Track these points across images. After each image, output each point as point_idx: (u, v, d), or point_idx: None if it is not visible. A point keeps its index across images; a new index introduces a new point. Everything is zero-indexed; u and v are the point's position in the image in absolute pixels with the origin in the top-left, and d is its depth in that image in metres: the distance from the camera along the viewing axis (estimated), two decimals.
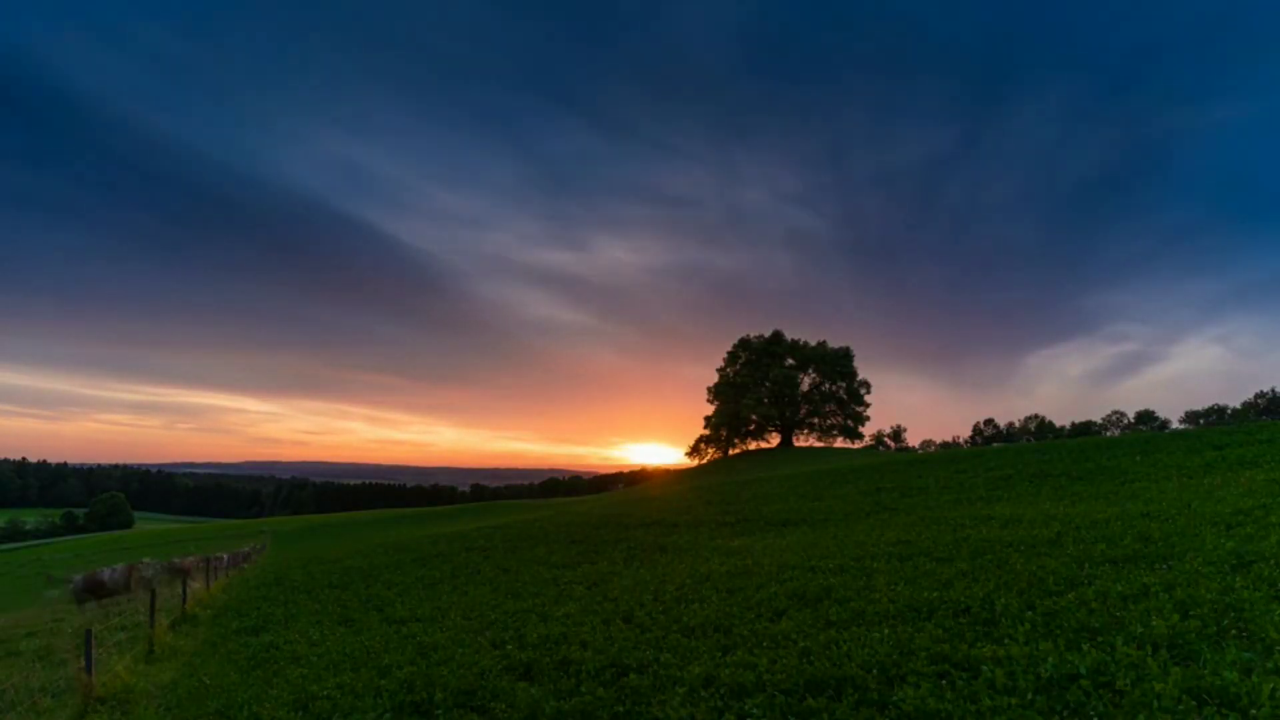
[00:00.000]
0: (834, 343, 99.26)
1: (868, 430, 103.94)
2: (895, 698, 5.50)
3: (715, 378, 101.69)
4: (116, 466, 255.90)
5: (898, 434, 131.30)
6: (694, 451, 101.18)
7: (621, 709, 6.28)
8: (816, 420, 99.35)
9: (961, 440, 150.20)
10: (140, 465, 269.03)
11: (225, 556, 27.95)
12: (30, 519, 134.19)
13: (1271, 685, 4.59)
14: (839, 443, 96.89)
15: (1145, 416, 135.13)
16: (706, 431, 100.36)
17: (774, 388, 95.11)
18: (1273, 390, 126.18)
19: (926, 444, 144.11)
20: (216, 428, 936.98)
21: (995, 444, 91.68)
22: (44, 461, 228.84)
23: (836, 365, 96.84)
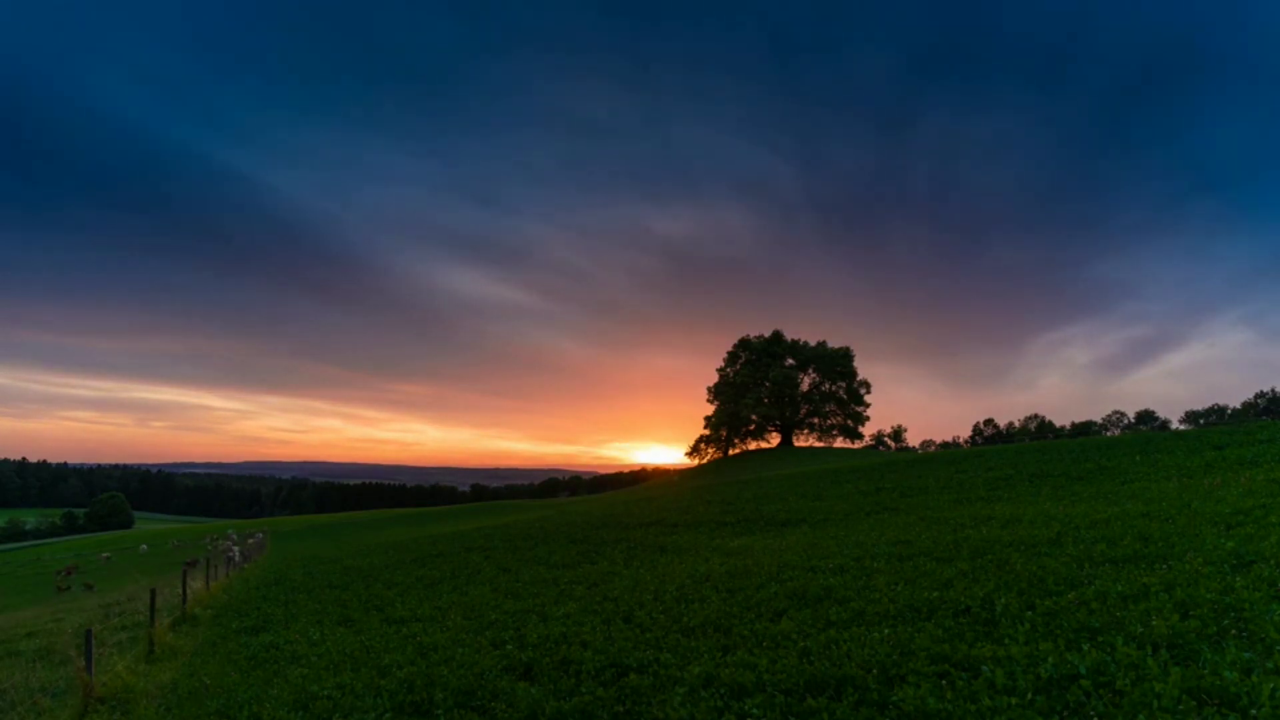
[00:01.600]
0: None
1: (868, 430, 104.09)
2: (895, 698, 5.50)
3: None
4: (116, 466, 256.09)
5: (898, 434, 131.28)
6: (694, 451, 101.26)
7: (621, 709, 6.28)
8: (816, 420, 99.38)
9: (961, 440, 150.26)
10: (140, 465, 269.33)
11: (260, 535, 28.23)
12: (30, 519, 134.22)
13: (1271, 685, 4.59)
14: (839, 443, 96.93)
15: (1145, 416, 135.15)
16: (706, 431, 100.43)
17: (774, 388, 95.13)
18: (1273, 390, 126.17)
19: (926, 444, 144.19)
20: (193, 426, 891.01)
21: (995, 444, 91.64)
22: (44, 461, 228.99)
23: (836, 365, 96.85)
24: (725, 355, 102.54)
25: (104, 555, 52.03)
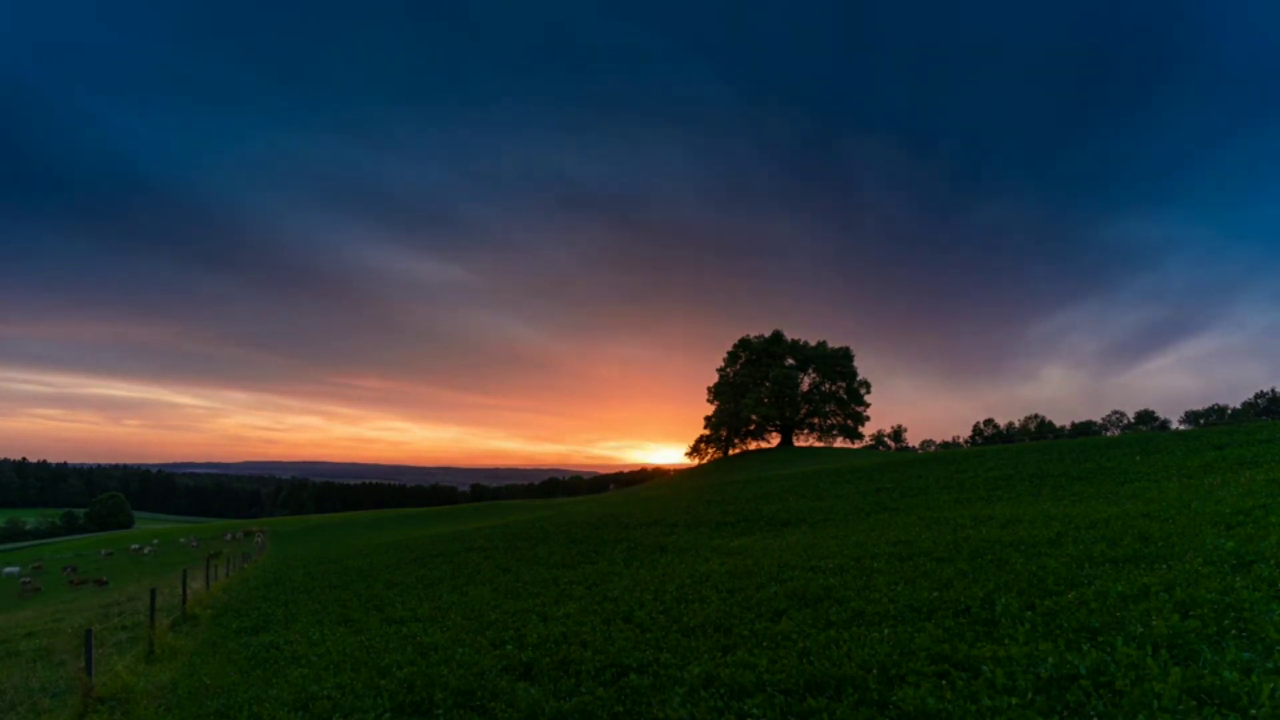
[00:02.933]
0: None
1: (868, 430, 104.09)
2: (895, 698, 5.50)
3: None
4: (116, 466, 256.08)
5: (898, 434, 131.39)
6: (694, 451, 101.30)
7: (621, 709, 6.28)
8: (816, 420, 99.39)
9: (961, 440, 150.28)
10: (140, 465, 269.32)
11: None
12: (30, 519, 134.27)
13: (1271, 685, 4.59)
14: (839, 443, 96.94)
15: (1145, 416, 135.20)
16: (706, 431, 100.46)
17: (774, 388, 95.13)
18: (1273, 390, 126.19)
19: (926, 444, 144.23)
20: (164, 424, 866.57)
21: (995, 444, 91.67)
22: (44, 461, 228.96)
23: (836, 365, 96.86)
24: (725, 355, 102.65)
25: (104, 551, 52.05)
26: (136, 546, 52.77)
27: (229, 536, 54.00)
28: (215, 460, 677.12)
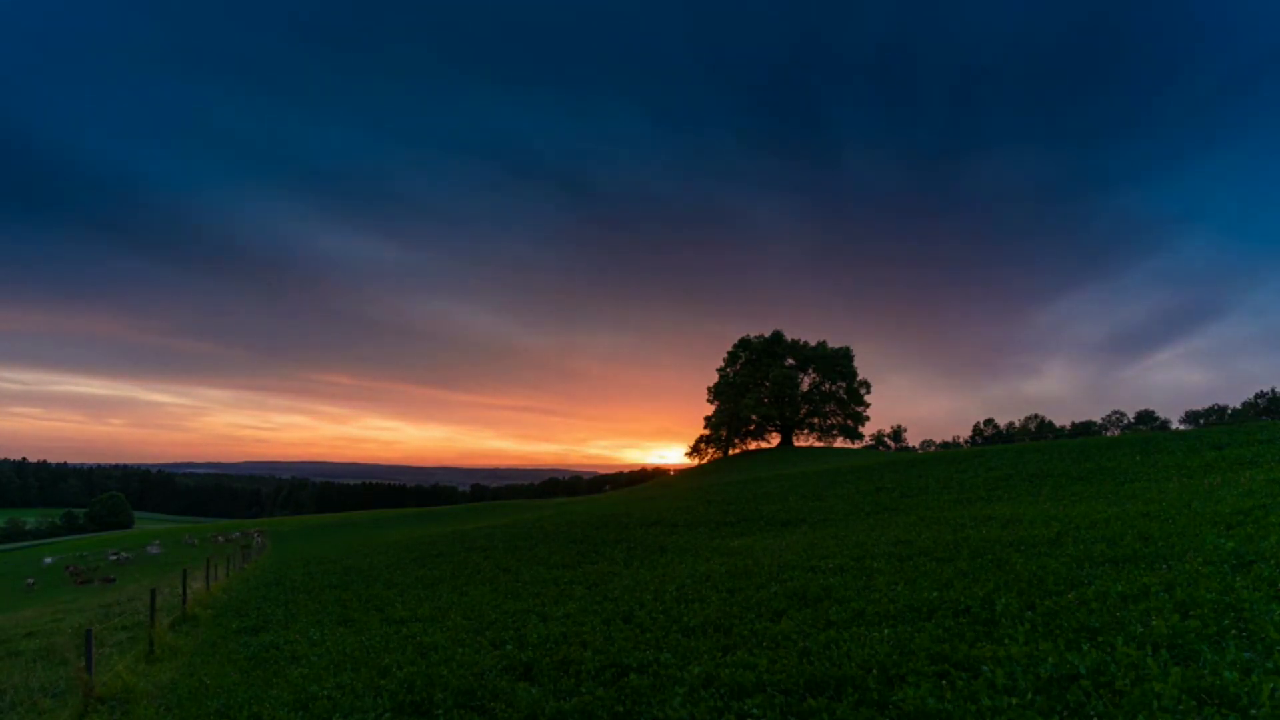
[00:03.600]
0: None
1: (868, 430, 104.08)
2: (895, 698, 5.50)
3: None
4: (116, 466, 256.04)
5: (898, 434, 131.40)
6: (694, 451, 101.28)
7: (621, 709, 6.28)
8: (816, 420, 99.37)
9: (961, 440, 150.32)
10: (140, 465, 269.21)
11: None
12: (30, 519, 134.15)
13: (1271, 685, 4.59)
14: (839, 443, 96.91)
15: (1145, 416, 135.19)
16: (707, 431, 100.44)
17: (774, 388, 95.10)
18: (1273, 390, 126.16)
19: (926, 444, 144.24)
20: (148, 423, 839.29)
21: (995, 444, 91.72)
22: (44, 461, 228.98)
23: (836, 365, 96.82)
24: (725, 355, 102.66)
25: (114, 553, 52.06)
26: (154, 549, 53.01)
27: (220, 539, 54.08)
28: (215, 460, 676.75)
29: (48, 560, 47.51)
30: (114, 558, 40.16)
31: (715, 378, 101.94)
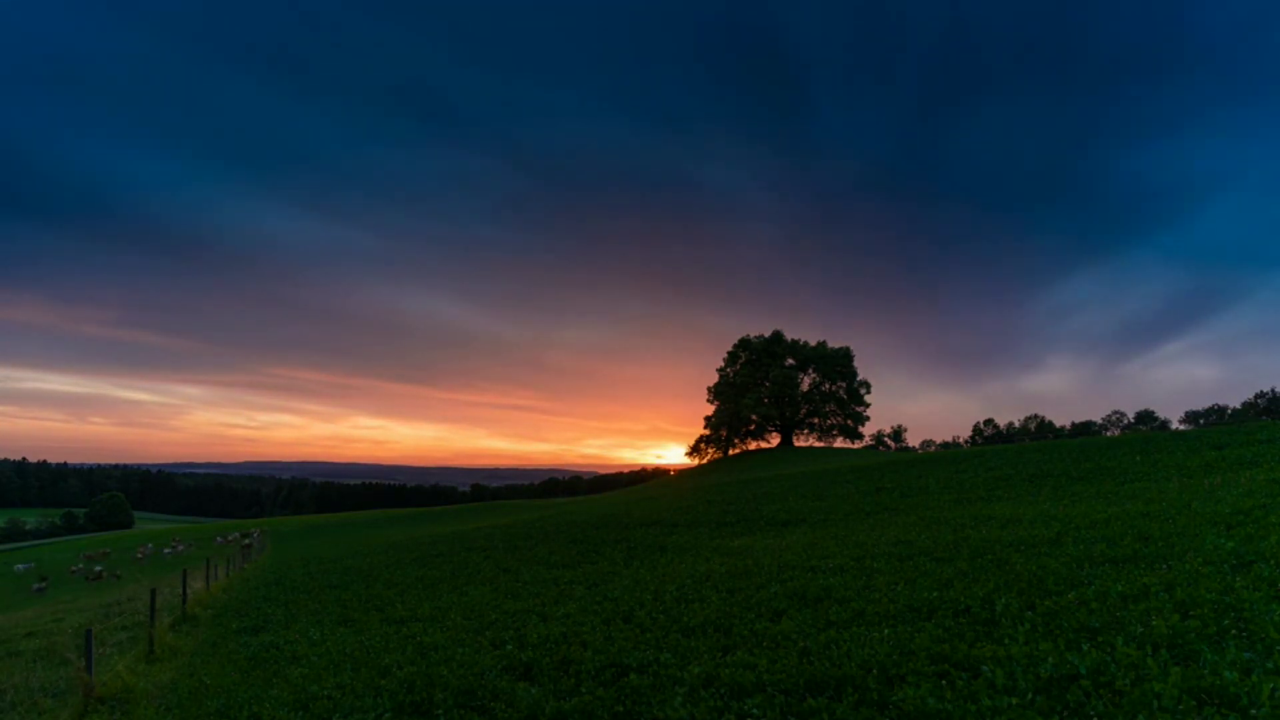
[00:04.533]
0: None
1: (868, 430, 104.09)
2: (895, 698, 5.50)
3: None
4: (116, 466, 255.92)
5: (898, 434, 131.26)
6: (694, 451, 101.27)
7: (621, 709, 6.28)
8: (816, 420, 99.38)
9: (961, 440, 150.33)
10: (140, 465, 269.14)
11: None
12: (30, 519, 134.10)
13: (1271, 685, 4.59)
14: (839, 443, 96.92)
15: (1145, 416, 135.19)
16: (706, 431, 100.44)
17: (774, 388, 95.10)
18: (1273, 390, 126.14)
19: (926, 444, 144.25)
20: (132, 422, 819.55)
21: (995, 444, 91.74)
22: (44, 461, 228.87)
23: (836, 365, 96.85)
24: (725, 355, 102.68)
25: (138, 551, 51.95)
26: (169, 549, 53.11)
27: (218, 540, 53.98)
28: (215, 460, 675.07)
29: (19, 568, 47.37)
30: (99, 569, 39.95)
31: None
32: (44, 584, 37.08)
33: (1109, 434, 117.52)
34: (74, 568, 38.55)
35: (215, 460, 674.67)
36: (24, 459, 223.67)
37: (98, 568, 37.74)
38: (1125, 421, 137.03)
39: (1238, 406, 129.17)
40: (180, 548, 50.23)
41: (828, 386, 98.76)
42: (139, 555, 39.25)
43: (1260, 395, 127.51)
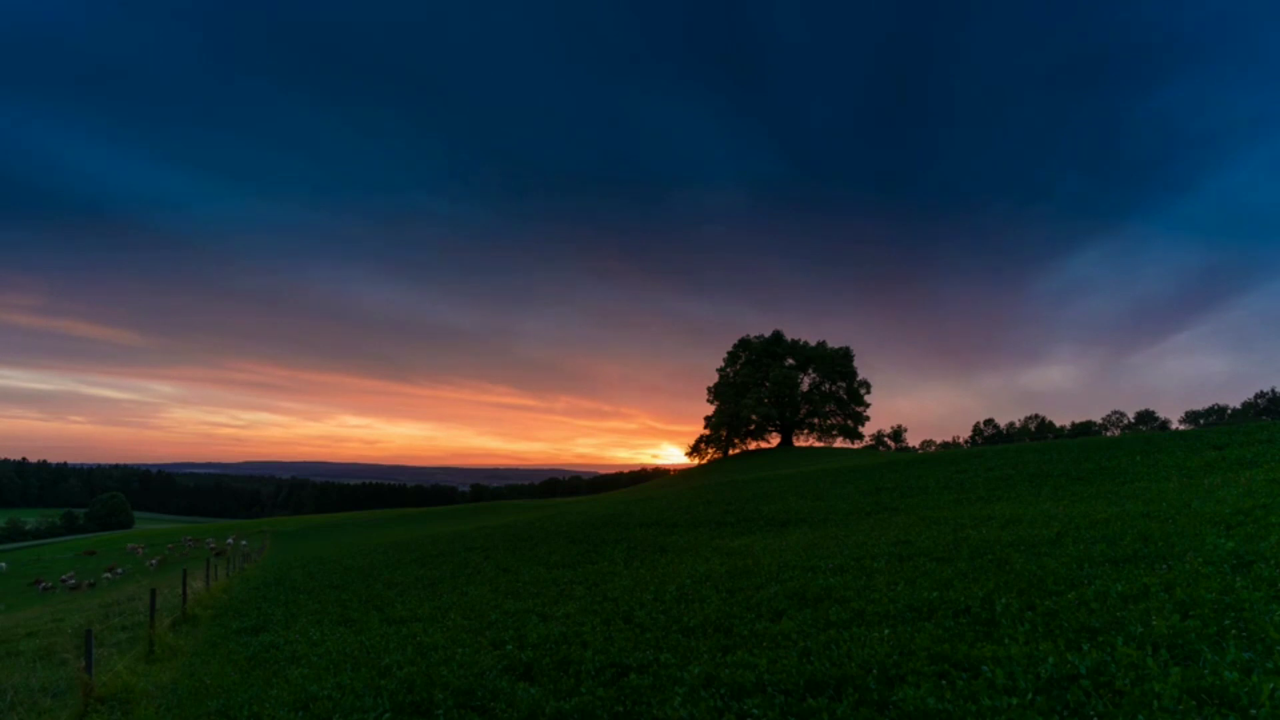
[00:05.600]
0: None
1: (868, 430, 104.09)
2: (895, 698, 5.50)
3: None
4: (116, 466, 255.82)
5: (898, 434, 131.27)
6: (694, 451, 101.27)
7: (621, 709, 6.28)
8: (816, 420, 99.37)
9: (961, 440, 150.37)
10: (140, 465, 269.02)
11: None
12: (30, 519, 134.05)
13: (1271, 685, 4.59)
14: (839, 443, 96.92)
15: (1145, 416, 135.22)
16: (706, 431, 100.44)
17: (774, 388, 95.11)
18: (1273, 390, 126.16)
19: (926, 444, 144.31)
20: (113, 420, 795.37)
21: (995, 444, 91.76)
22: (44, 461, 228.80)
23: (836, 365, 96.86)
24: (725, 355, 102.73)
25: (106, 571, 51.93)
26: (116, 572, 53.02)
27: (210, 544, 53.84)
28: (215, 460, 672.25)
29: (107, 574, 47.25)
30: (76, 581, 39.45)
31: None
32: (49, 584, 37.15)
33: (1109, 434, 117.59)
34: (67, 577, 38.48)
35: (215, 460, 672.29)
36: (24, 459, 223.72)
37: (89, 582, 37.65)
38: (1125, 421, 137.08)
39: (1238, 406, 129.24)
40: (139, 551, 49.07)
41: (828, 387, 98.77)
42: (106, 574, 38.99)
43: (1260, 395, 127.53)
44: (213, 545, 50.54)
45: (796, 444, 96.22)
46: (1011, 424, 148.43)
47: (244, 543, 48.50)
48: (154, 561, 44.59)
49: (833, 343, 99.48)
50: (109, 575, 39.12)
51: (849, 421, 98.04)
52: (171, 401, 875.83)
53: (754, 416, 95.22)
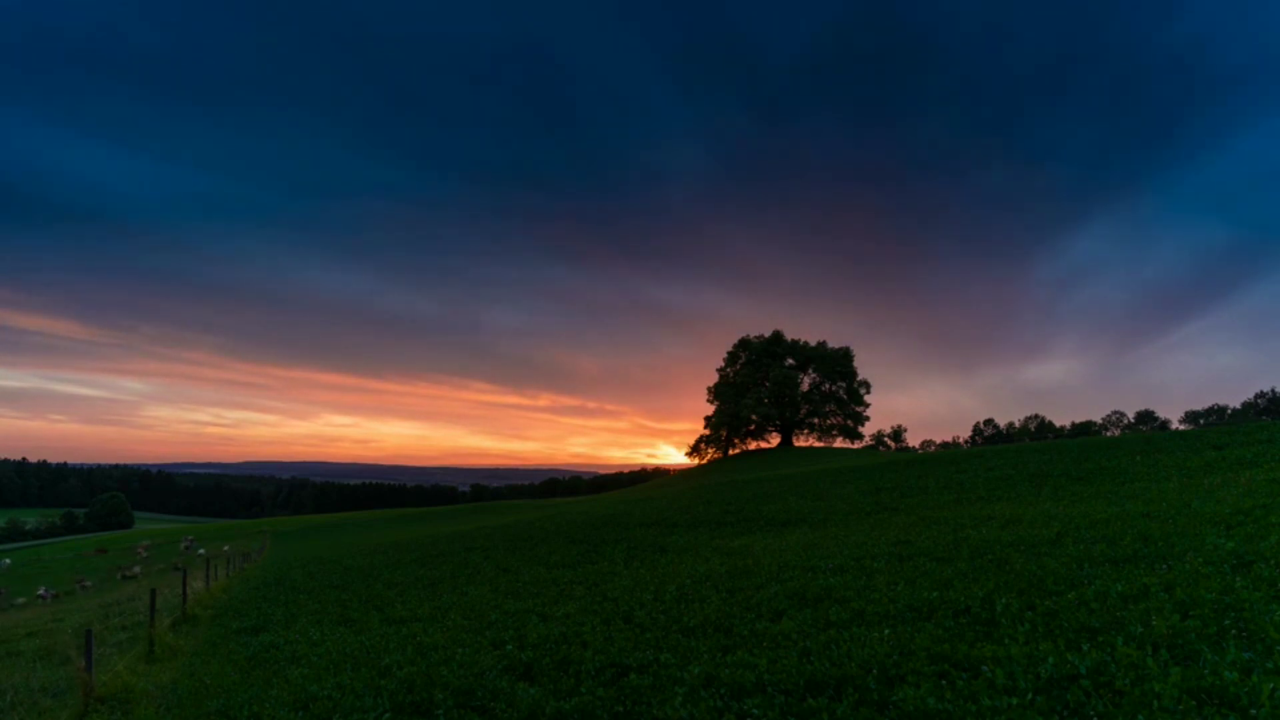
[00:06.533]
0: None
1: (868, 430, 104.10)
2: (895, 698, 5.50)
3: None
4: (116, 466, 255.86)
5: (898, 434, 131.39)
6: (694, 451, 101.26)
7: (621, 709, 6.28)
8: (816, 420, 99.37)
9: (961, 440, 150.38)
10: (140, 465, 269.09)
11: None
12: (30, 519, 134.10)
13: (1271, 685, 4.59)
14: (839, 443, 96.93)
15: (1145, 416, 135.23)
16: (706, 431, 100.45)
17: (774, 388, 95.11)
18: (1273, 390, 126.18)
19: (926, 444, 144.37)
20: (96, 419, 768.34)
21: (995, 444, 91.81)
22: (44, 461, 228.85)
23: (836, 365, 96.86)
24: (725, 355, 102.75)
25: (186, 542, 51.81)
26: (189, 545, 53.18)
27: (143, 551, 53.96)
28: (215, 460, 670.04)
29: (4, 562, 47.46)
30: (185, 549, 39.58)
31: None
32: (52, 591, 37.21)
33: (1109, 434, 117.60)
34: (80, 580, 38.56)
35: (215, 460, 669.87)
36: (24, 459, 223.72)
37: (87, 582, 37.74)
38: (1125, 421, 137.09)
39: (1238, 406, 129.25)
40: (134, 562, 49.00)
41: (828, 387, 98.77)
42: (80, 584, 39.11)
43: (1260, 395, 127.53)
44: (201, 550, 50.87)
45: (796, 444, 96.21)
46: (1011, 424, 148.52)
47: (226, 547, 48.66)
48: (191, 547, 44.23)
49: (821, 339, 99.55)
50: (122, 575, 39.27)
51: (849, 421, 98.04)
52: (147, 399, 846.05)
53: (754, 416, 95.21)
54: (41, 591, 35.37)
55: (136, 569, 41.69)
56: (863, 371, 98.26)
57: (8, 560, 56.22)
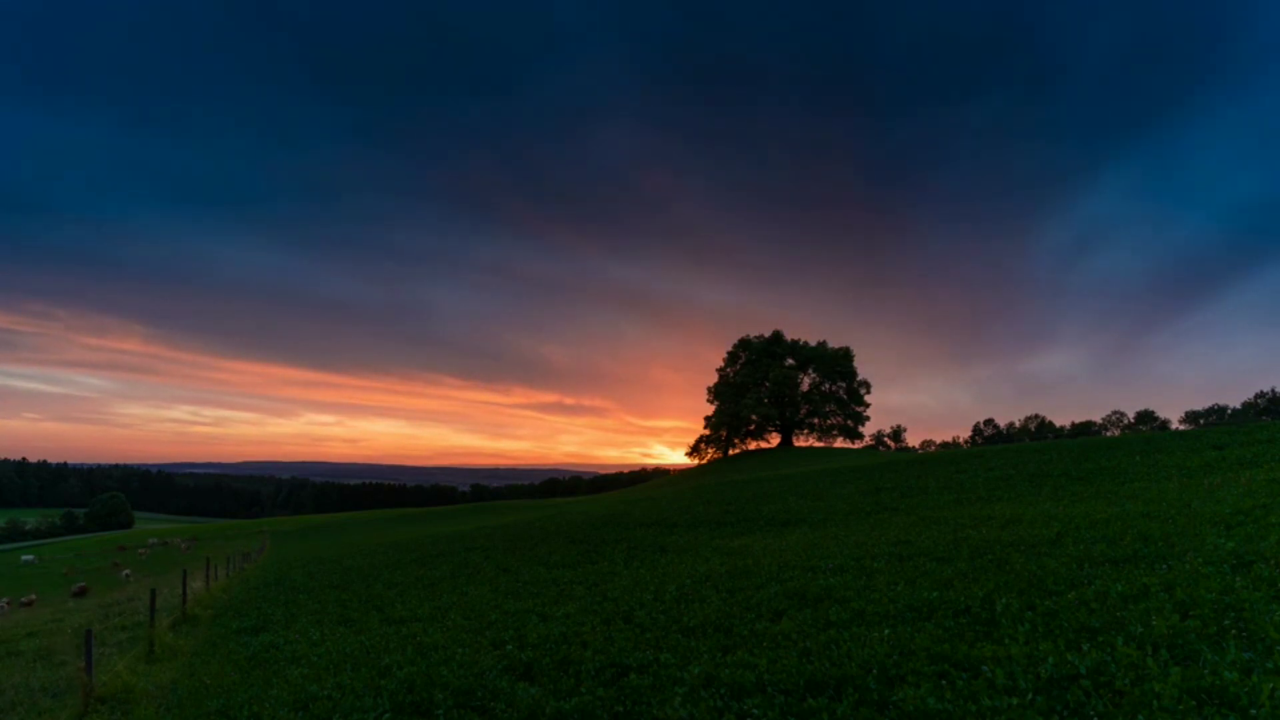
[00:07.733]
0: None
1: (868, 430, 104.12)
2: (895, 698, 5.49)
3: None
4: (116, 466, 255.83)
5: (897, 434, 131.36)
6: (694, 451, 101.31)
7: (621, 709, 6.28)
8: (816, 420, 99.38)
9: (961, 440, 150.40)
10: (140, 465, 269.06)
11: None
12: (30, 519, 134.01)
13: (1271, 685, 4.59)
14: (839, 443, 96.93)
15: (1145, 416, 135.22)
16: (707, 432, 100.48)
17: (774, 388, 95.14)
18: (1273, 390, 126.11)
19: (926, 444, 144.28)
20: (68, 417, 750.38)
21: (995, 444, 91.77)
22: (44, 461, 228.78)
23: (836, 365, 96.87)
24: (725, 355, 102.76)
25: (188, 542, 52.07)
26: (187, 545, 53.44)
27: (191, 546, 54.18)
28: (215, 460, 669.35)
29: (25, 559, 47.74)
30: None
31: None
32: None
33: (1109, 434, 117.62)
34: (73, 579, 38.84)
35: (215, 460, 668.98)
36: (24, 459, 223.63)
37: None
38: (1125, 421, 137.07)
39: (1238, 406, 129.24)
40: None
41: (828, 387, 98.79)
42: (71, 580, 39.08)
43: (1260, 395, 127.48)
44: (185, 547, 51.26)
45: (796, 444, 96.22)
46: (1011, 424, 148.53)
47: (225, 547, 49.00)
48: (191, 547, 43.84)
49: (821, 339, 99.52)
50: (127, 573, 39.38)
51: (849, 421, 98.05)
52: (112, 396, 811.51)
53: (754, 416, 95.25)
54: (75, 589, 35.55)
55: (127, 572, 41.78)
56: (855, 363, 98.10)
57: (30, 556, 56.28)
